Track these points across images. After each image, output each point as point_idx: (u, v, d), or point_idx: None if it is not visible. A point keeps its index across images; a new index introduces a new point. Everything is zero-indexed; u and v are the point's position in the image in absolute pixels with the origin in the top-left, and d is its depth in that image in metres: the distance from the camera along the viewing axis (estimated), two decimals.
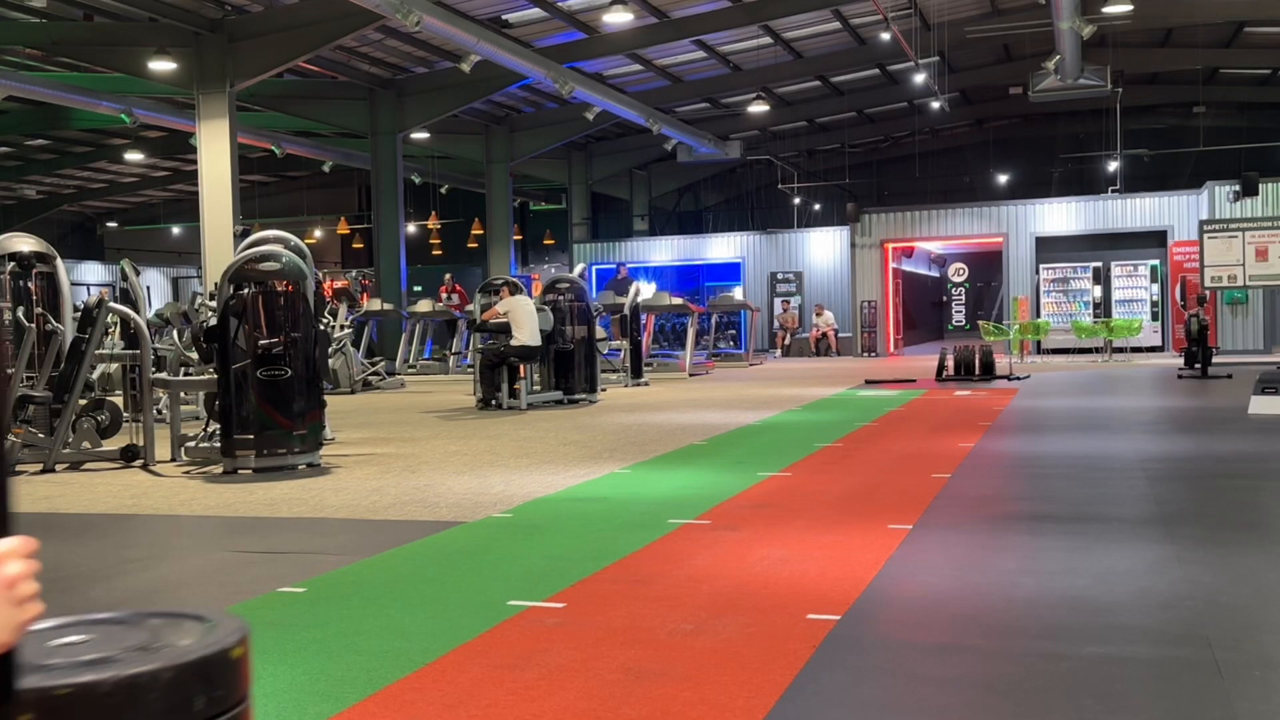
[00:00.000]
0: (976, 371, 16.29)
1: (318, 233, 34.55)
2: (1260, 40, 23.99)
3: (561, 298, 14.37)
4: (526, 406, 13.16)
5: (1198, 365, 15.72)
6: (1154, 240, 24.25)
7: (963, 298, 31.62)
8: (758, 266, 28.77)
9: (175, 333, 14.49)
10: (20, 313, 9.46)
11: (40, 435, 8.72)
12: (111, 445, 9.02)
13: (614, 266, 26.33)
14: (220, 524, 6.29)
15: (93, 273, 34.77)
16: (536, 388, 14.04)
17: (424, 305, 22.46)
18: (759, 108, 25.80)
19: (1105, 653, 3.49)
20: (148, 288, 23.86)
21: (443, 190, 31.82)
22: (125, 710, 1.36)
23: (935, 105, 25.02)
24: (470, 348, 18.42)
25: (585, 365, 14.27)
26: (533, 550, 5.25)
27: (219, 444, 8.39)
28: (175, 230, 38.86)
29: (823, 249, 28.15)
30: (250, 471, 8.11)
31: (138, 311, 10.01)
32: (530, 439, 9.95)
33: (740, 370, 21.26)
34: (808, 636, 3.72)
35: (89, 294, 11.75)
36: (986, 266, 29.83)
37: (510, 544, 5.43)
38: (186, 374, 11.80)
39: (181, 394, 10.35)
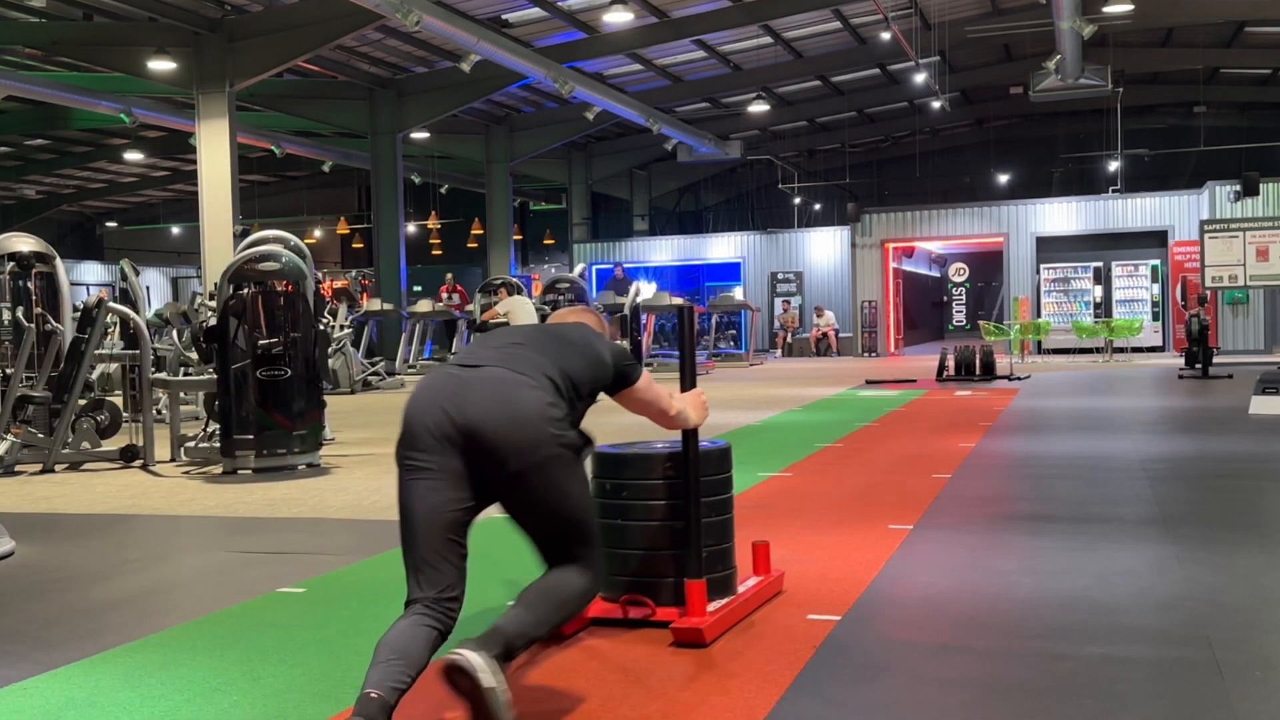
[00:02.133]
0: (977, 372, 16.28)
1: (318, 233, 34.55)
2: (1260, 40, 23.98)
3: (561, 298, 14.38)
4: None
5: (1198, 365, 15.71)
6: (1154, 240, 24.24)
7: (963, 298, 31.60)
8: (758, 266, 28.75)
9: (175, 333, 14.48)
10: (20, 313, 9.45)
11: (40, 435, 8.71)
12: (111, 445, 9.02)
13: (611, 266, 26.34)
14: (220, 524, 6.29)
15: (92, 273, 34.76)
16: None
17: (424, 305, 22.44)
18: (759, 108, 25.80)
19: (1105, 653, 3.48)
20: (147, 288, 23.88)
21: (443, 190, 31.81)
22: (705, 465, 3.84)
23: (935, 105, 25.02)
24: None
25: None
26: None
27: (219, 444, 8.38)
28: (175, 230, 38.86)
29: (823, 249, 28.14)
30: (250, 472, 8.11)
31: (137, 311, 10.01)
32: None
33: (740, 370, 21.25)
34: (808, 636, 3.71)
35: (88, 294, 11.70)
36: (987, 266, 29.81)
37: (510, 544, 5.41)
38: (186, 374, 11.80)
39: (181, 394, 10.34)
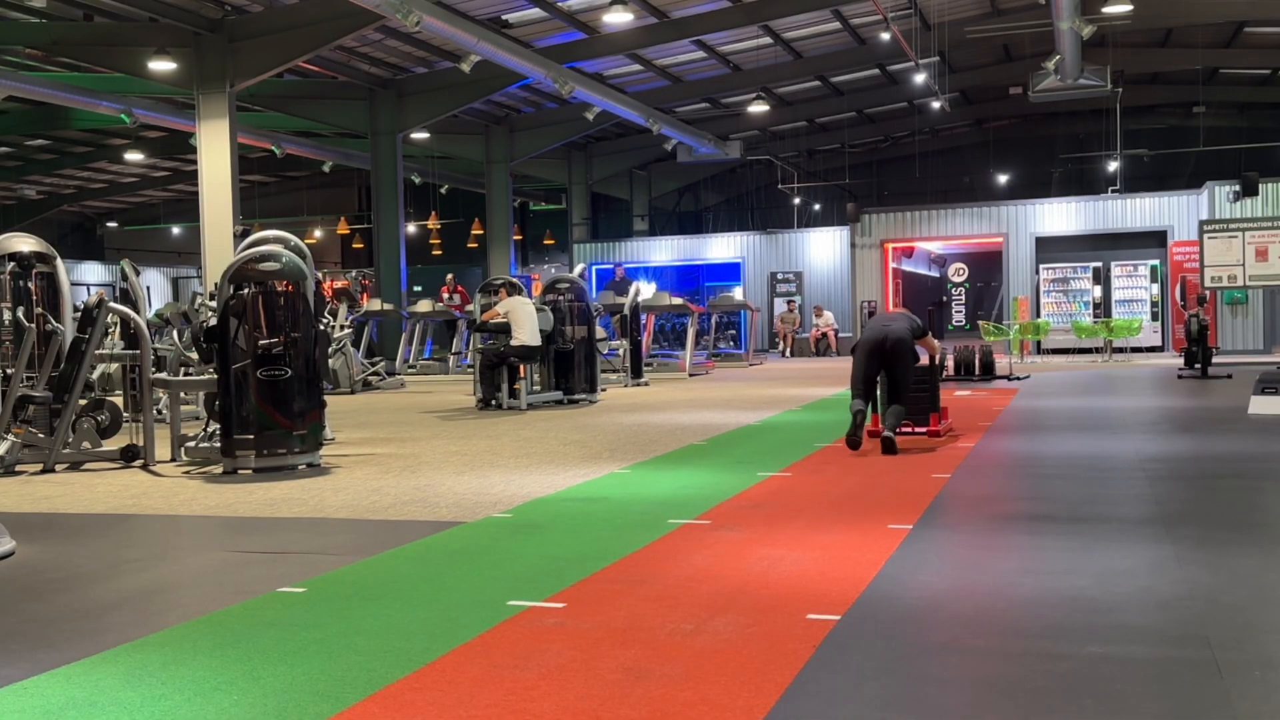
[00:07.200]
0: (977, 371, 16.29)
1: (318, 233, 34.55)
2: (1260, 40, 23.99)
3: (561, 298, 14.36)
4: (526, 406, 13.16)
5: (1198, 365, 15.71)
6: (1154, 240, 24.25)
7: (963, 298, 31.59)
8: (758, 266, 28.76)
9: (175, 333, 14.48)
10: (20, 313, 9.45)
11: (40, 435, 8.71)
12: (111, 445, 9.02)
13: (612, 267, 26.35)
14: (220, 524, 6.29)
15: (93, 273, 34.77)
16: (536, 388, 14.04)
17: (424, 305, 22.46)
18: (759, 108, 25.80)
19: (1105, 653, 3.49)
20: (148, 288, 23.87)
21: (443, 190, 31.81)
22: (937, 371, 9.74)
23: (935, 105, 25.04)
24: (470, 348, 18.41)
25: (585, 365, 14.26)
26: (533, 550, 5.25)
27: (219, 444, 8.38)
28: (175, 230, 38.87)
29: (823, 249, 28.14)
30: (250, 471, 8.11)
31: (138, 311, 10.01)
32: (530, 439, 9.95)
33: (740, 370, 21.26)
34: (808, 636, 3.72)
35: (89, 294, 11.70)
36: (986, 266, 29.81)
37: (510, 544, 5.43)
38: (186, 374, 11.80)
39: (181, 394, 10.35)
